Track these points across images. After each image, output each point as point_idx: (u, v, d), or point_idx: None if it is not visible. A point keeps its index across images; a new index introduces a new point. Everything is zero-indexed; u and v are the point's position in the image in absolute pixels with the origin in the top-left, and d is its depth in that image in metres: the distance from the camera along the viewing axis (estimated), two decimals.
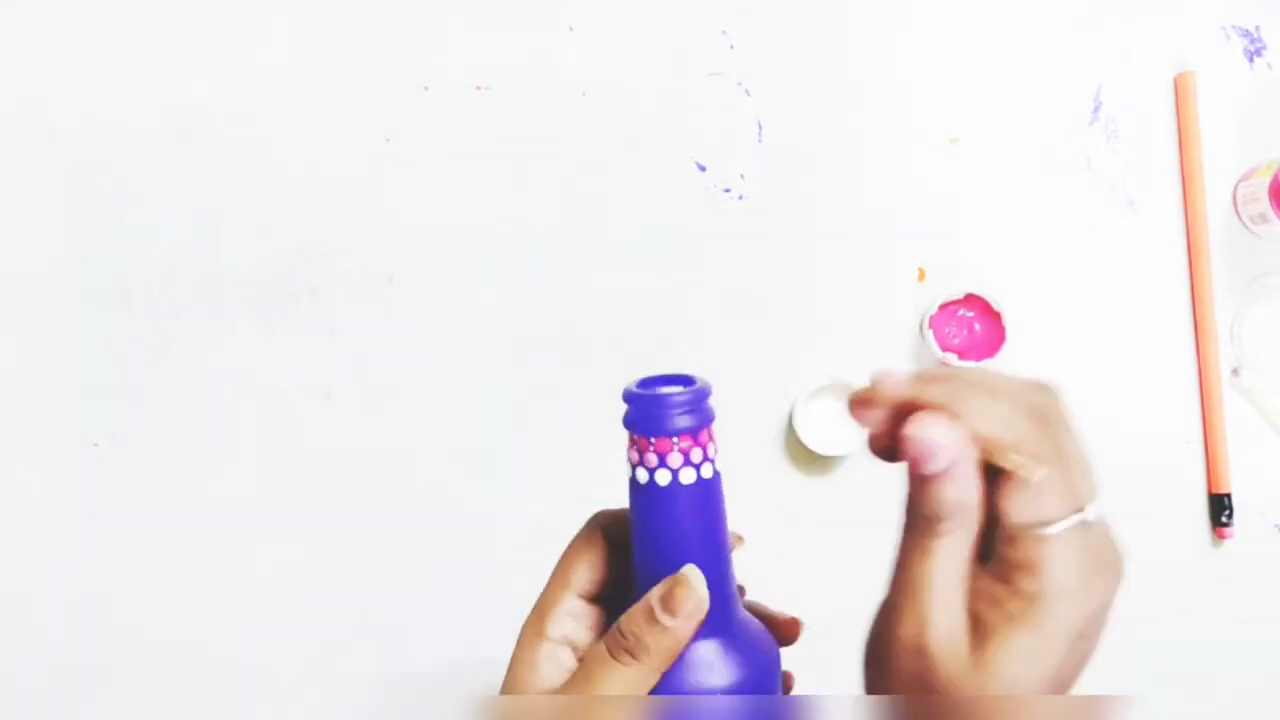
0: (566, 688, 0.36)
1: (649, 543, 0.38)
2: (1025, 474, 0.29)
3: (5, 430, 0.72)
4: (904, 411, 0.31)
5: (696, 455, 0.37)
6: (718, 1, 0.72)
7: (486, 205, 0.72)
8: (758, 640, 0.39)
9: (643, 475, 0.37)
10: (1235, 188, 0.71)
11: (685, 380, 0.38)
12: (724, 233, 0.72)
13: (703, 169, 0.72)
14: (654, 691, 0.36)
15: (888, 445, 0.33)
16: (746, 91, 0.72)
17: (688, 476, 0.37)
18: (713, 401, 0.38)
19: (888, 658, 0.33)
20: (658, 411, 0.37)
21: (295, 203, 0.72)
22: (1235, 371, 0.71)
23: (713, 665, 0.37)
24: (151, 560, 0.71)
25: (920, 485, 0.31)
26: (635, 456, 0.37)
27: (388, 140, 0.72)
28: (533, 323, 0.72)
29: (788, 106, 0.72)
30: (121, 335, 0.72)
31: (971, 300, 0.70)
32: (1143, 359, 0.71)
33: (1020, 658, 0.31)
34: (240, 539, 0.71)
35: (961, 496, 0.31)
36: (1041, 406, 0.31)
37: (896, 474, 0.74)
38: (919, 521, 0.32)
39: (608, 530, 0.40)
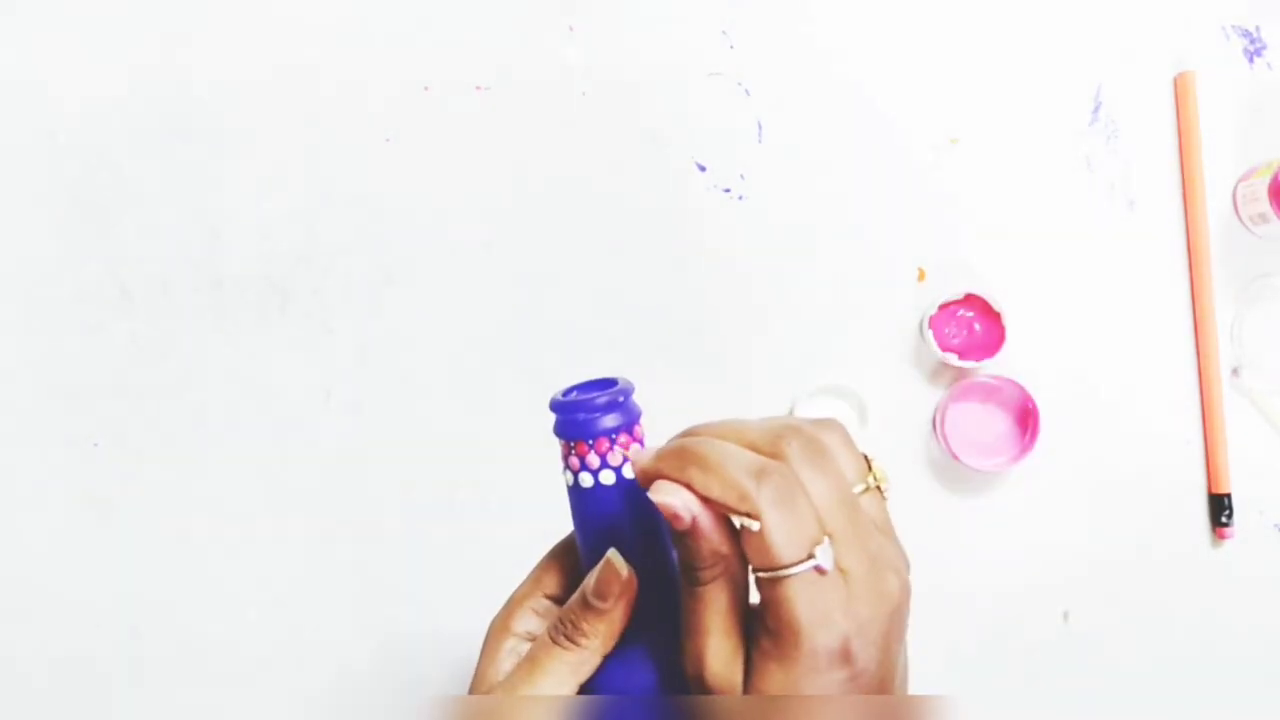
0: (512, 675, 0.39)
1: (587, 543, 0.39)
2: (745, 526, 0.34)
3: (5, 430, 0.72)
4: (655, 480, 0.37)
5: (615, 457, 0.38)
6: (718, 1, 0.72)
7: (486, 206, 0.72)
8: None
9: (569, 478, 0.39)
10: (1235, 188, 0.71)
11: (609, 383, 0.40)
12: (724, 233, 0.72)
13: (703, 169, 0.72)
14: (607, 680, 0.39)
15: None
16: (746, 91, 0.72)
17: (607, 478, 0.38)
18: (636, 399, 0.39)
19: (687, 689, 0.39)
20: (574, 417, 0.38)
21: (295, 203, 0.72)
22: (1235, 371, 0.71)
23: (662, 652, 0.39)
24: (151, 560, 0.72)
25: (679, 540, 0.36)
26: (563, 461, 0.39)
27: (388, 140, 0.72)
28: (532, 323, 0.72)
29: (788, 106, 0.72)
30: (121, 335, 0.72)
31: (971, 300, 0.70)
32: (1143, 359, 0.71)
33: (779, 689, 0.35)
34: (240, 539, 0.71)
35: (713, 548, 0.35)
36: (758, 464, 0.34)
37: (897, 473, 0.74)
38: (686, 571, 0.37)
39: None
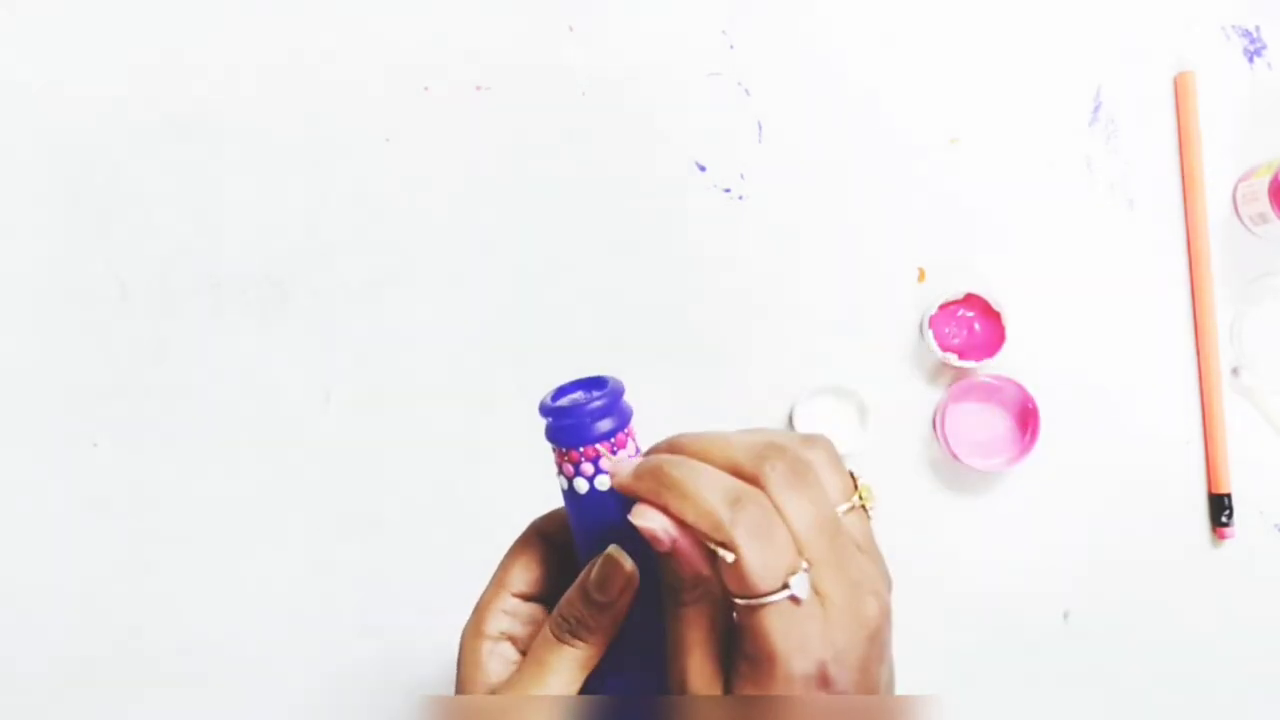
0: (517, 674, 0.39)
1: (585, 545, 0.39)
2: (721, 555, 0.33)
3: (5, 430, 0.72)
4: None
5: (608, 463, 0.38)
6: (718, 1, 0.72)
7: (486, 205, 0.72)
8: None
9: (563, 483, 0.39)
10: (1235, 188, 0.71)
11: (597, 383, 0.39)
12: (724, 233, 0.72)
13: (703, 169, 0.72)
14: (608, 679, 0.39)
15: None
16: (746, 91, 0.72)
17: (603, 483, 0.38)
18: (628, 400, 0.39)
19: None
20: (564, 423, 0.38)
21: (295, 203, 0.72)
22: (1235, 371, 0.71)
23: (659, 651, 0.38)
24: (151, 560, 0.72)
25: (662, 561, 0.36)
26: (556, 466, 0.39)
27: (388, 140, 0.72)
28: (532, 323, 0.72)
29: (788, 106, 0.72)
30: (121, 335, 0.72)
31: (971, 300, 0.70)
32: (1143, 359, 0.71)
33: (758, 710, 0.34)
34: (240, 539, 0.72)
35: (694, 570, 0.35)
36: (735, 491, 0.34)
37: (897, 473, 0.74)
38: (669, 591, 0.37)
39: (545, 533, 0.42)
